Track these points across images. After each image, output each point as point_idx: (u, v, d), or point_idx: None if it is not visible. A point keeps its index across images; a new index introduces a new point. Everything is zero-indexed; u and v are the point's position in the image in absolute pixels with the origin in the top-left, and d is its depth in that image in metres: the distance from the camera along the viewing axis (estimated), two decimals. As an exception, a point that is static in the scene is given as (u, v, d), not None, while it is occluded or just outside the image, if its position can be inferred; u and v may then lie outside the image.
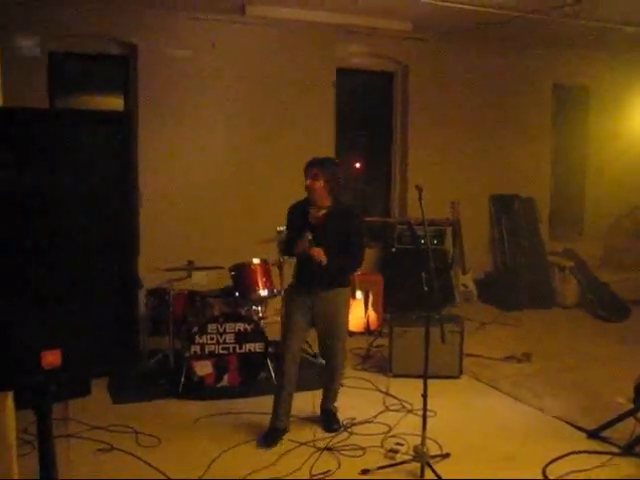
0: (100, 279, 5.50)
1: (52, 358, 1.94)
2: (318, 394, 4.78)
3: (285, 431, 4.47)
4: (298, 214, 4.49)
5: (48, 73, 6.99)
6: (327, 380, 4.72)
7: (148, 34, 7.25)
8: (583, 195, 10.00)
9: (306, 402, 4.80)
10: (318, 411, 4.76)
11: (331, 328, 4.49)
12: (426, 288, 4.02)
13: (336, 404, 4.77)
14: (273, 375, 5.28)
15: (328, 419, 4.67)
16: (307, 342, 5.77)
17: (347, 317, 4.64)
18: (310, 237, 4.23)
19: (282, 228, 5.68)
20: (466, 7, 6.82)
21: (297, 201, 4.59)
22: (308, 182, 4.37)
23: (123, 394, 5.26)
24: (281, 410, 4.44)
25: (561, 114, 9.63)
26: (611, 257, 9.64)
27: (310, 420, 4.73)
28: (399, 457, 4.14)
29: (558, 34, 8.18)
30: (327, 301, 4.42)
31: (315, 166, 4.39)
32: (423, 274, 4.01)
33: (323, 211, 4.41)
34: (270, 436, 4.38)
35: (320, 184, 4.35)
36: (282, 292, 5.82)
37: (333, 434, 4.50)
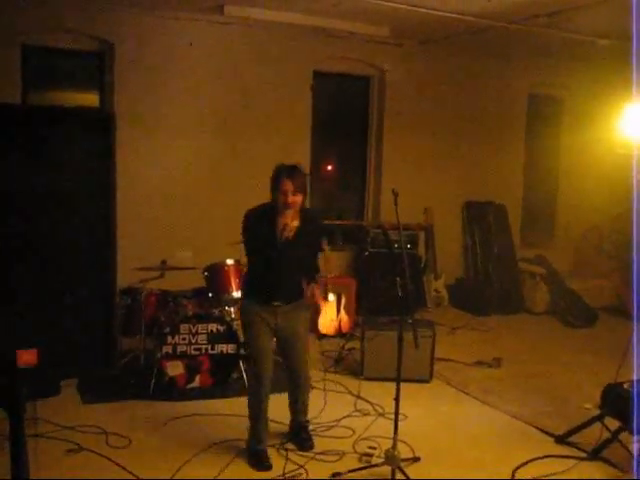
0: (79, 281, 5.46)
1: (28, 357, 1.91)
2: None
3: None
4: (264, 223, 4.04)
5: (22, 67, 6.90)
6: (296, 393, 4.39)
7: (125, 32, 7.18)
8: (555, 203, 10.16)
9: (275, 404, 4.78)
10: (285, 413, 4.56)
11: (296, 340, 4.25)
12: (400, 293, 4.03)
13: (308, 417, 4.53)
14: (245, 377, 5.27)
15: (301, 436, 4.41)
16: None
17: (307, 328, 4.39)
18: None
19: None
20: (443, 14, 6.88)
21: (257, 206, 4.14)
22: (290, 199, 3.94)
23: (93, 394, 5.20)
24: (263, 434, 4.21)
25: (535, 124, 9.75)
26: (580, 265, 9.80)
27: (278, 422, 4.73)
28: (373, 461, 4.15)
29: (534, 45, 8.29)
30: (290, 315, 4.18)
31: (295, 179, 3.96)
32: (397, 279, 4.03)
33: (295, 223, 4.05)
34: (262, 458, 4.14)
35: (300, 198, 4.01)
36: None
37: (308, 452, 4.27)
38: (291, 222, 4.01)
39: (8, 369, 1.93)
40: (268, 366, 4.15)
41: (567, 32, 7.46)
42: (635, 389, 4.26)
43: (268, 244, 3.99)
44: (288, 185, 3.94)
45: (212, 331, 5.34)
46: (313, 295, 4.17)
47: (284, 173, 3.98)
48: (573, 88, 9.59)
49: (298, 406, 4.42)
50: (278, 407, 4.38)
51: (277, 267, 4.03)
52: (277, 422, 4.43)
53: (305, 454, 4.27)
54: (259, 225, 4.05)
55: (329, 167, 9.06)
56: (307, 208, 4.23)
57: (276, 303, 4.12)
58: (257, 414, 4.18)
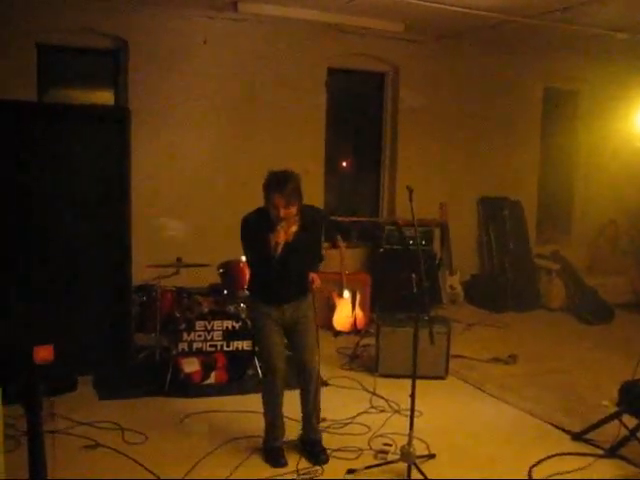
0: (95, 278, 5.50)
1: (44, 353, 1.92)
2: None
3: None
4: (261, 232, 3.86)
5: (37, 66, 6.94)
6: (306, 387, 4.21)
7: (139, 29, 7.21)
8: (571, 199, 10.09)
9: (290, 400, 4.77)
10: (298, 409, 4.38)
11: (304, 329, 4.15)
12: (416, 289, 4.02)
13: (320, 426, 4.38)
14: (260, 375, 5.27)
15: (315, 450, 4.21)
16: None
17: (314, 317, 4.25)
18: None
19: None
20: (457, 9, 6.85)
21: (254, 212, 4.02)
22: (282, 213, 3.78)
23: (109, 390, 5.22)
24: (279, 431, 4.20)
25: (551, 118, 9.68)
26: (596, 261, 9.73)
27: (294, 419, 4.70)
28: (388, 457, 4.15)
29: (549, 39, 8.23)
30: (296, 308, 4.10)
31: (285, 192, 3.77)
32: (413, 275, 4.01)
33: (294, 228, 3.91)
34: (279, 455, 4.13)
35: (294, 209, 3.85)
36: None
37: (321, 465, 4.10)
38: (288, 230, 3.85)
39: (25, 366, 1.94)
40: (280, 361, 4.09)
41: (583, 26, 7.39)
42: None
43: (266, 254, 3.85)
44: (279, 200, 3.77)
45: (227, 328, 5.36)
46: (313, 281, 4.14)
47: (273, 187, 3.80)
48: (590, 82, 9.50)
49: (309, 403, 4.25)
50: (294, 404, 4.35)
51: (279, 273, 3.94)
52: (293, 419, 4.42)
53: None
54: (256, 234, 3.90)
55: (344, 164, 9.05)
56: (307, 207, 4.04)
57: (282, 302, 4.07)
58: (272, 411, 4.18)
